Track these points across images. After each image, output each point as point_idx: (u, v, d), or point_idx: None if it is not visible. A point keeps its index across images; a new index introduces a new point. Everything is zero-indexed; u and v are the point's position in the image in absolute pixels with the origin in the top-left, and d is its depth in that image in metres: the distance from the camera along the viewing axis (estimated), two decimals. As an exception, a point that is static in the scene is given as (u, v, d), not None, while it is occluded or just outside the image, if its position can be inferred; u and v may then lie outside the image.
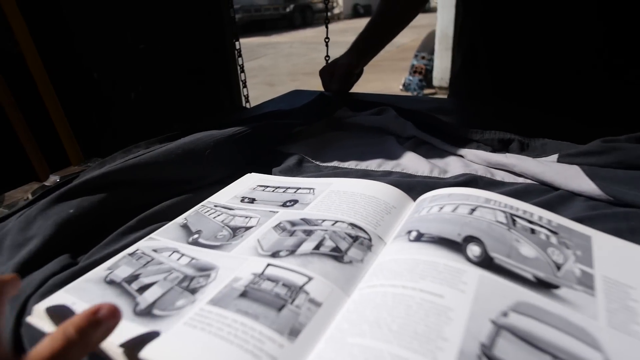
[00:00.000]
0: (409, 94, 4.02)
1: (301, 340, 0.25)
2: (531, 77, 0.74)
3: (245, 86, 1.24)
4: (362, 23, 1.00)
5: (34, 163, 0.76)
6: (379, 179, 0.47)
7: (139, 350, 0.24)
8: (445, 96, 0.98)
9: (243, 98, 1.28)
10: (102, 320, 0.23)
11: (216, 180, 0.50)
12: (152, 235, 0.39)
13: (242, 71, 1.21)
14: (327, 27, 1.07)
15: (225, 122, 0.57)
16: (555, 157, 0.48)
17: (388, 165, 0.53)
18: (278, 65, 6.05)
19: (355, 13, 14.56)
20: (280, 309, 0.27)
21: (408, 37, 7.70)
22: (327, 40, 1.04)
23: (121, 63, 0.96)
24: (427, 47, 4.28)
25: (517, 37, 0.73)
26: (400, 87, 4.28)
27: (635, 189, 0.41)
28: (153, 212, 0.43)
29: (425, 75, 4.17)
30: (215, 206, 0.43)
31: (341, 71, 0.85)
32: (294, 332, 0.25)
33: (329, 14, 1.15)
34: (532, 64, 0.73)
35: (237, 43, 1.22)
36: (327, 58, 1.01)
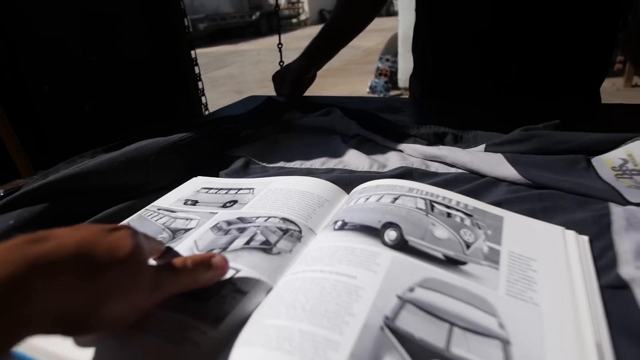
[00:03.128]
0: (375, 95, 4.09)
1: (224, 326, 0.26)
2: (470, 78, 0.78)
3: (203, 94, 1.24)
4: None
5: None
6: (321, 176, 0.49)
7: None
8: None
9: (202, 106, 1.29)
10: (212, 265, 0.28)
11: (163, 185, 0.51)
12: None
13: (200, 79, 1.21)
14: (279, 34, 1.09)
15: (171, 129, 0.58)
16: (483, 147, 0.52)
17: (331, 163, 0.55)
18: (246, 73, 6.05)
19: (321, 18, 14.68)
20: (206, 300, 0.28)
21: (374, 41, 7.83)
22: (280, 46, 1.07)
23: (73, 75, 0.95)
24: (391, 49, 4.36)
25: (461, 40, 0.77)
26: (367, 89, 4.35)
27: (550, 172, 0.45)
28: (97, 219, 0.44)
29: (390, 77, 4.25)
30: (158, 209, 0.44)
31: (292, 76, 0.87)
32: (217, 320, 0.27)
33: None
34: (471, 66, 0.77)
35: (193, 52, 1.22)
36: (281, 63, 1.03)
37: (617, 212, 0.38)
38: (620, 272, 0.31)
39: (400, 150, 0.57)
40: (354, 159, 0.55)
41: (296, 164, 0.56)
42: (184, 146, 0.54)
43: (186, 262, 0.27)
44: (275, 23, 1.19)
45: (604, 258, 0.33)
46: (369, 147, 0.60)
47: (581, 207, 0.40)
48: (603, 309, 0.28)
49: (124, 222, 0.42)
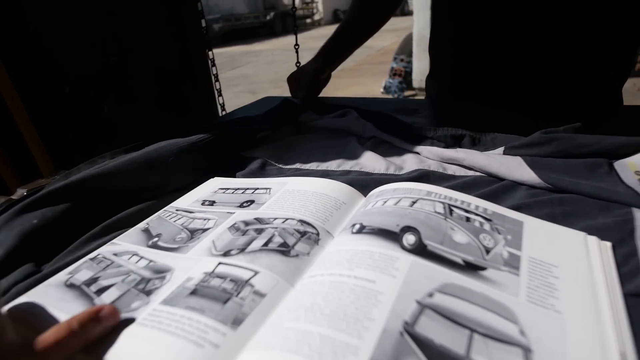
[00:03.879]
0: (389, 96, 4.07)
1: (243, 328, 0.27)
2: (491, 79, 0.77)
3: (220, 95, 1.25)
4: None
5: (5, 177, 0.76)
6: (337, 178, 0.49)
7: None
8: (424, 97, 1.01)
9: (219, 106, 1.30)
10: (102, 319, 0.27)
11: (181, 186, 0.52)
12: (114, 240, 0.40)
13: (217, 80, 1.22)
14: (296, 35, 1.09)
15: (190, 130, 0.59)
16: (501, 149, 0.51)
17: (347, 165, 0.55)
18: (260, 73, 6.07)
19: (335, 18, 14.68)
20: (225, 302, 0.28)
21: (388, 41, 7.80)
22: (296, 47, 1.07)
23: (93, 77, 0.97)
24: (406, 49, 4.34)
25: (479, 42, 0.76)
26: (381, 89, 4.33)
27: (571, 176, 0.44)
28: (117, 219, 0.45)
29: (404, 77, 4.23)
30: (177, 210, 0.45)
31: (307, 78, 0.87)
32: (236, 322, 0.27)
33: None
34: (492, 67, 0.76)
35: (210, 53, 1.23)
36: (297, 64, 1.03)
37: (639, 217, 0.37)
38: (645, 280, 0.30)
39: (417, 153, 0.57)
40: (370, 161, 0.55)
41: (312, 166, 0.56)
42: (201, 147, 0.55)
43: (71, 325, 0.26)
44: (292, 24, 1.20)
45: (628, 265, 0.32)
46: (385, 149, 0.59)
47: (603, 212, 0.39)
48: (627, 317, 0.27)
49: (144, 222, 0.43)
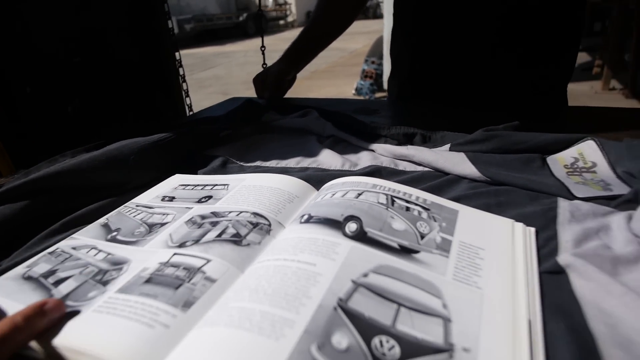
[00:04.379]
0: (361, 97, 4.13)
1: (193, 310, 0.29)
2: (447, 80, 0.81)
3: (188, 95, 1.26)
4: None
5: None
6: (295, 174, 0.51)
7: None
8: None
9: (186, 107, 1.30)
10: (47, 312, 0.28)
11: (143, 183, 0.53)
12: (73, 235, 0.41)
13: (184, 81, 1.23)
14: (262, 36, 1.11)
15: (152, 129, 0.60)
16: (448, 146, 0.55)
17: (305, 162, 0.58)
18: (232, 74, 6.04)
19: (309, 20, 14.70)
20: (177, 287, 0.30)
21: (360, 43, 7.89)
22: (263, 48, 1.09)
23: (56, 77, 0.96)
24: (376, 52, 4.41)
25: (436, 45, 0.80)
26: (353, 91, 4.39)
27: (507, 170, 0.48)
28: (77, 216, 0.46)
29: (375, 79, 4.29)
30: (137, 206, 0.46)
31: (272, 79, 0.89)
32: (187, 304, 0.29)
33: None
34: (448, 69, 0.80)
35: (177, 54, 1.24)
36: (264, 65, 1.05)
37: (563, 205, 0.41)
38: (558, 258, 0.34)
39: (372, 150, 0.60)
40: (327, 159, 0.58)
41: (272, 163, 0.59)
42: (163, 146, 0.56)
43: (15, 320, 0.26)
44: (261, 25, 1.22)
45: (547, 247, 0.36)
46: (343, 147, 0.62)
47: (532, 202, 0.43)
48: (539, 292, 0.31)
49: (104, 217, 0.44)
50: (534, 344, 0.26)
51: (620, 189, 0.42)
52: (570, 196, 0.42)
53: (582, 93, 3.64)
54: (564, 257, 0.33)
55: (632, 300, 0.29)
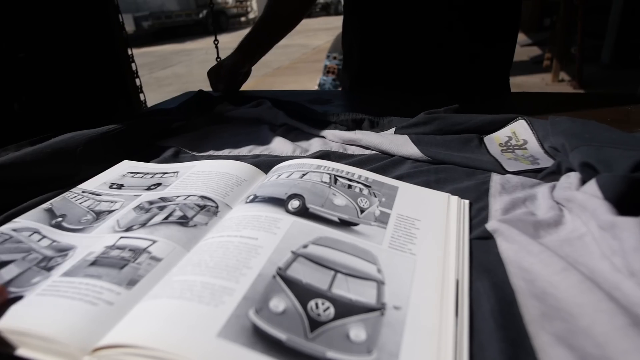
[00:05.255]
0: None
1: (138, 287, 0.29)
2: (393, 71, 0.84)
3: (142, 91, 1.24)
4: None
5: None
6: (247, 161, 0.52)
7: None
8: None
9: (142, 104, 1.28)
10: None
11: (91, 175, 0.53)
12: (14, 220, 0.40)
13: (137, 76, 1.21)
14: (215, 30, 1.11)
15: (101, 123, 0.59)
16: (393, 130, 0.57)
17: (258, 150, 0.59)
18: (193, 72, 5.93)
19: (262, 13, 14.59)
20: (122, 267, 0.31)
21: (323, 39, 7.93)
22: (216, 42, 1.08)
23: (-1, 73, 0.92)
24: (338, 47, 4.43)
25: (381, 39, 0.83)
26: (316, 87, 4.40)
27: (447, 149, 0.50)
28: (21, 208, 0.45)
29: (338, 74, 4.32)
30: (83, 192, 0.46)
31: (226, 71, 0.89)
32: (132, 282, 0.30)
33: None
34: (393, 61, 0.83)
35: (130, 50, 1.21)
36: (217, 59, 1.05)
37: (495, 179, 0.44)
38: (486, 225, 0.36)
39: (323, 137, 0.61)
40: (279, 146, 0.59)
41: (225, 152, 0.59)
42: (112, 137, 0.56)
43: None
44: (214, 19, 1.21)
45: (479, 217, 0.39)
46: (295, 135, 0.64)
47: (469, 177, 0.46)
48: (469, 255, 0.33)
49: (47, 203, 0.44)
50: (460, 300, 0.29)
51: (546, 162, 0.46)
52: (503, 171, 0.46)
53: (533, 85, 3.81)
54: (491, 224, 0.36)
55: (547, 257, 0.31)
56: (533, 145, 0.50)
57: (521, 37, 6.39)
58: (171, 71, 6.20)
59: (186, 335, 0.24)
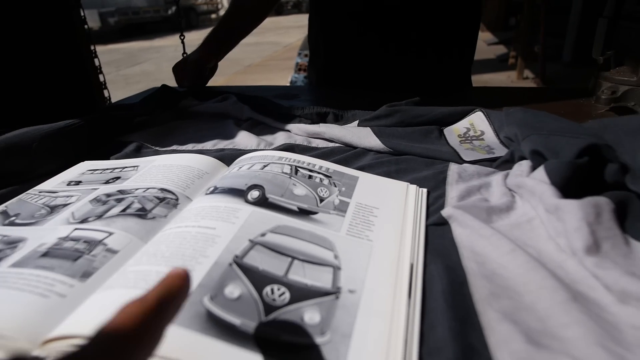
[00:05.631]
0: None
1: (92, 279, 0.29)
2: (357, 67, 0.85)
3: (105, 88, 1.20)
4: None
5: None
6: (211, 155, 0.52)
7: None
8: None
9: (106, 100, 1.24)
10: (173, 290, 0.19)
11: (49, 171, 0.51)
12: (-35, 222, 0.39)
13: (101, 72, 1.18)
14: (181, 24, 1.09)
15: (61, 118, 0.58)
16: (356, 123, 0.58)
17: (222, 144, 0.58)
18: (163, 70, 5.80)
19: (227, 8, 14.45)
20: (76, 259, 0.30)
21: (294, 37, 7.90)
22: (182, 37, 1.07)
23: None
24: (308, 45, 4.44)
25: (344, 36, 0.84)
26: (288, 84, 4.39)
27: (408, 141, 0.52)
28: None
29: (309, 72, 4.33)
30: (40, 192, 0.45)
31: (192, 67, 0.88)
32: (86, 275, 0.29)
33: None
34: (357, 56, 0.84)
35: (92, 45, 1.18)
36: (184, 54, 1.03)
37: (453, 168, 0.45)
38: (442, 212, 0.37)
39: (288, 130, 0.62)
40: (244, 139, 0.59)
41: (189, 147, 0.59)
42: (70, 132, 0.54)
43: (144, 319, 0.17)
44: (178, 14, 1.19)
45: (436, 204, 0.40)
46: (260, 129, 0.63)
47: (428, 167, 0.47)
48: (424, 241, 0.34)
49: (2, 205, 0.42)
50: (414, 283, 0.30)
51: (502, 151, 0.48)
52: (460, 160, 0.47)
53: (500, 82, 3.91)
54: (446, 210, 0.37)
55: (497, 239, 0.33)
56: (490, 135, 0.51)
57: (488, 36, 6.56)
58: (139, 69, 6.05)
59: (141, 325, 0.24)
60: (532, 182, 0.37)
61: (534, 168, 0.40)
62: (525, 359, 0.24)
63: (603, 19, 0.69)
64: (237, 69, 5.65)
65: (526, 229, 0.35)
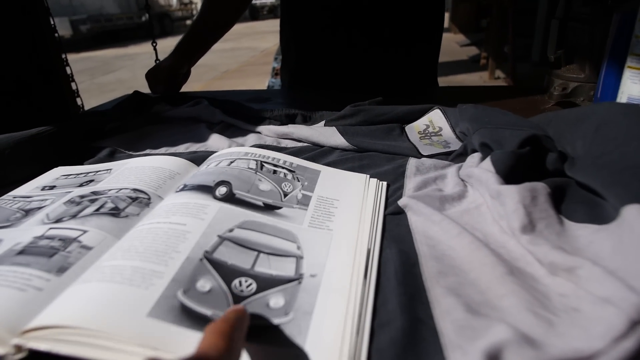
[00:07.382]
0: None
1: (68, 274, 0.31)
2: (328, 68, 0.88)
3: (78, 96, 1.20)
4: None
5: None
6: (184, 157, 0.54)
7: None
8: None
9: (79, 108, 1.24)
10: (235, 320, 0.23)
11: (22, 178, 0.52)
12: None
13: (73, 80, 1.17)
14: (152, 31, 1.10)
15: (32, 126, 0.58)
16: (323, 123, 0.61)
17: (194, 147, 0.60)
18: (138, 77, 5.73)
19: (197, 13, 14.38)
20: (51, 256, 0.32)
21: (271, 42, 7.92)
22: (154, 44, 1.08)
23: None
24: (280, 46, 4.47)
25: (315, 34, 0.87)
26: (265, 89, 4.41)
27: (372, 138, 0.55)
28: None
29: (286, 76, 4.35)
30: (14, 198, 0.46)
31: (164, 73, 0.89)
32: (61, 270, 0.31)
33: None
34: (327, 58, 0.87)
35: (64, 53, 1.18)
36: (156, 61, 1.04)
37: (411, 162, 0.48)
38: (399, 202, 0.40)
39: (259, 132, 0.64)
40: (215, 142, 0.61)
41: (162, 151, 0.60)
42: (42, 139, 0.55)
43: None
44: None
45: (395, 195, 0.43)
46: (232, 132, 0.66)
47: (389, 162, 0.50)
48: (382, 229, 0.37)
49: None
50: (370, 266, 0.32)
51: (457, 146, 0.51)
52: (419, 155, 0.50)
53: (472, 83, 4.01)
54: (402, 200, 0.40)
55: (447, 224, 0.36)
56: (447, 131, 0.55)
57: (460, 38, 6.72)
58: (114, 76, 5.97)
59: (117, 316, 0.26)
60: (480, 172, 0.40)
61: (483, 159, 0.43)
62: (464, 326, 0.26)
63: (555, 20, 0.73)
64: (214, 74, 5.64)
65: (475, 214, 0.38)
